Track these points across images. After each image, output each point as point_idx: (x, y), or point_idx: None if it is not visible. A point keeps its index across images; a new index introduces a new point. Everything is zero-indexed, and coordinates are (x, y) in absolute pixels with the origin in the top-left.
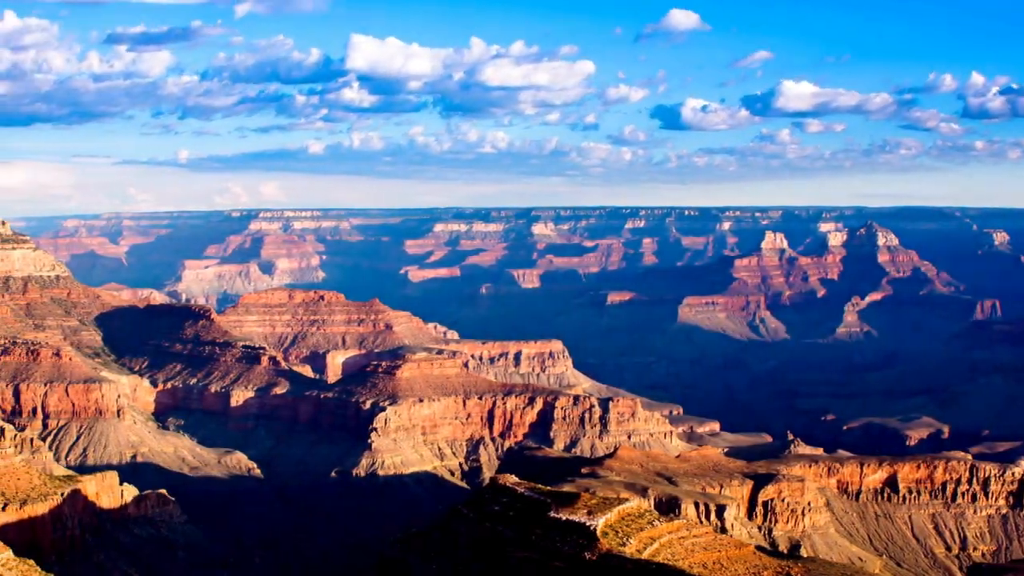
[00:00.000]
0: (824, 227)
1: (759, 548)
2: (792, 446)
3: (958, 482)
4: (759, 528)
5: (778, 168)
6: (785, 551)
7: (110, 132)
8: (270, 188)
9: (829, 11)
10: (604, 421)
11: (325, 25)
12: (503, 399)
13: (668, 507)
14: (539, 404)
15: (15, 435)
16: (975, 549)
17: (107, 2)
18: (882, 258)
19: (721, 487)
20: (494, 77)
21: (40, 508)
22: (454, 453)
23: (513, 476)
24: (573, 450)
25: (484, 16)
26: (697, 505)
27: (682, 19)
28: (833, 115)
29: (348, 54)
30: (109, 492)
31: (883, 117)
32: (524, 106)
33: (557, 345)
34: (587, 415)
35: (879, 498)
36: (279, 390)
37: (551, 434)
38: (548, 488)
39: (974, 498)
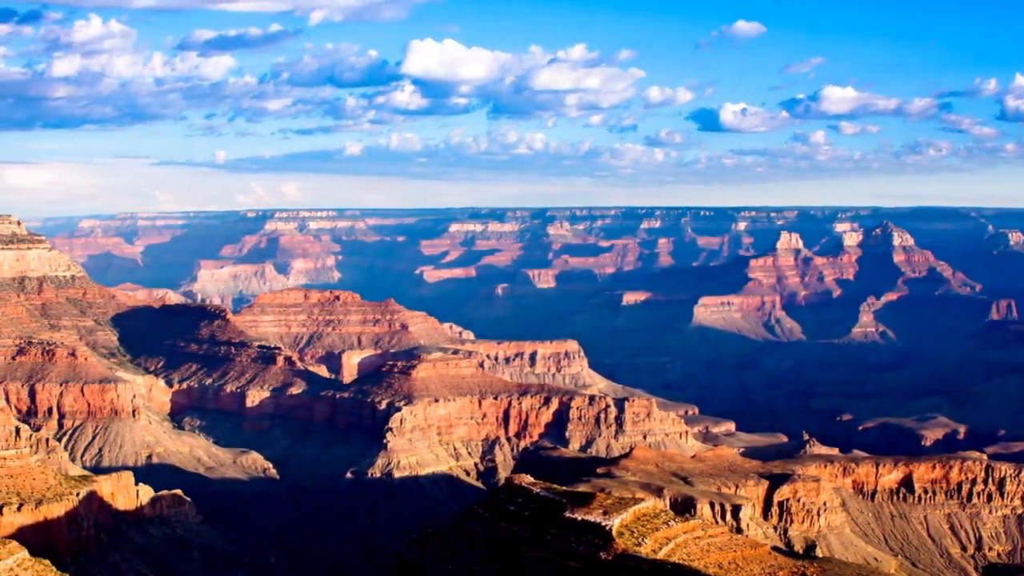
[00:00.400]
0: (840, 227)
1: (775, 548)
2: (808, 446)
3: (974, 482)
4: (775, 528)
5: (805, 169)
6: (800, 551)
7: (156, 134)
8: (291, 188)
9: (883, 16)
10: (620, 421)
11: (398, 32)
12: (519, 399)
13: (684, 507)
14: (555, 404)
15: (31, 435)
16: (990, 549)
17: (189, 9)
18: (898, 258)
19: (737, 487)
20: (543, 81)
21: (55, 508)
22: (469, 453)
23: (528, 476)
24: (589, 450)
25: (552, 20)
26: (712, 505)
27: (743, 27)
28: (872, 118)
29: (405, 58)
30: (124, 492)
31: (921, 120)
32: (569, 109)
33: (573, 345)
34: (603, 415)
35: (895, 498)
36: (295, 390)
37: (566, 434)
38: (563, 488)
39: (990, 498)
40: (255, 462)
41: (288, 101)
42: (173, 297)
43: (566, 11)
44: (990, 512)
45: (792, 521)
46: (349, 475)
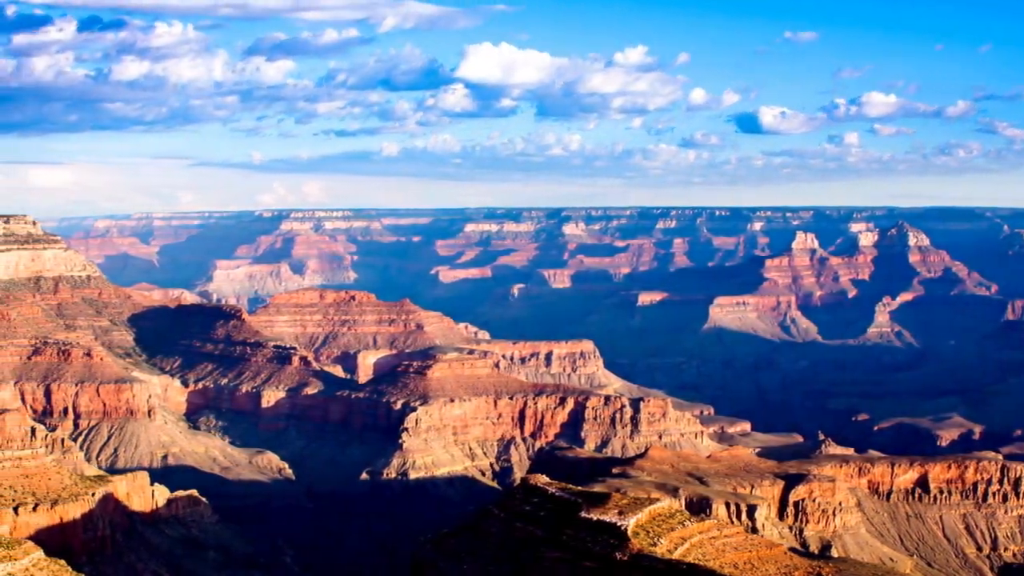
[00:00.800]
0: (855, 227)
1: (790, 549)
2: (823, 446)
3: (989, 482)
4: (790, 528)
5: (833, 170)
6: (816, 551)
7: (198, 135)
8: (312, 188)
9: (935, 20)
10: (635, 421)
11: (465, 39)
12: (534, 399)
13: (699, 507)
14: (570, 404)
15: (46, 435)
16: (1006, 549)
17: (267, 17)
18: (913, 258)
19: (752, 487)
20: (592, 85)
21: (71, 508)
22: (485, 453)
23: (544, 476)
24: (604, 450)
25: (617, 24)
26: (728, 505)
27: (803, 36)
28: (909, 120)
29: (461, 63)
30: (140, 492)
31: (958, 122)
32: (613, 112)
33: (588, 345)
34: (618, 415)
35: (910, 498)
36: (310, 390)
37: (582, 434)
38: (579, 488)
39: (1005, 498)
40: (270, 462)
41: (340, 104)
42: (189, 297)
43: (630, 15)
44: (1006, 512)
45: (808, 521)
46: (364, 475)
